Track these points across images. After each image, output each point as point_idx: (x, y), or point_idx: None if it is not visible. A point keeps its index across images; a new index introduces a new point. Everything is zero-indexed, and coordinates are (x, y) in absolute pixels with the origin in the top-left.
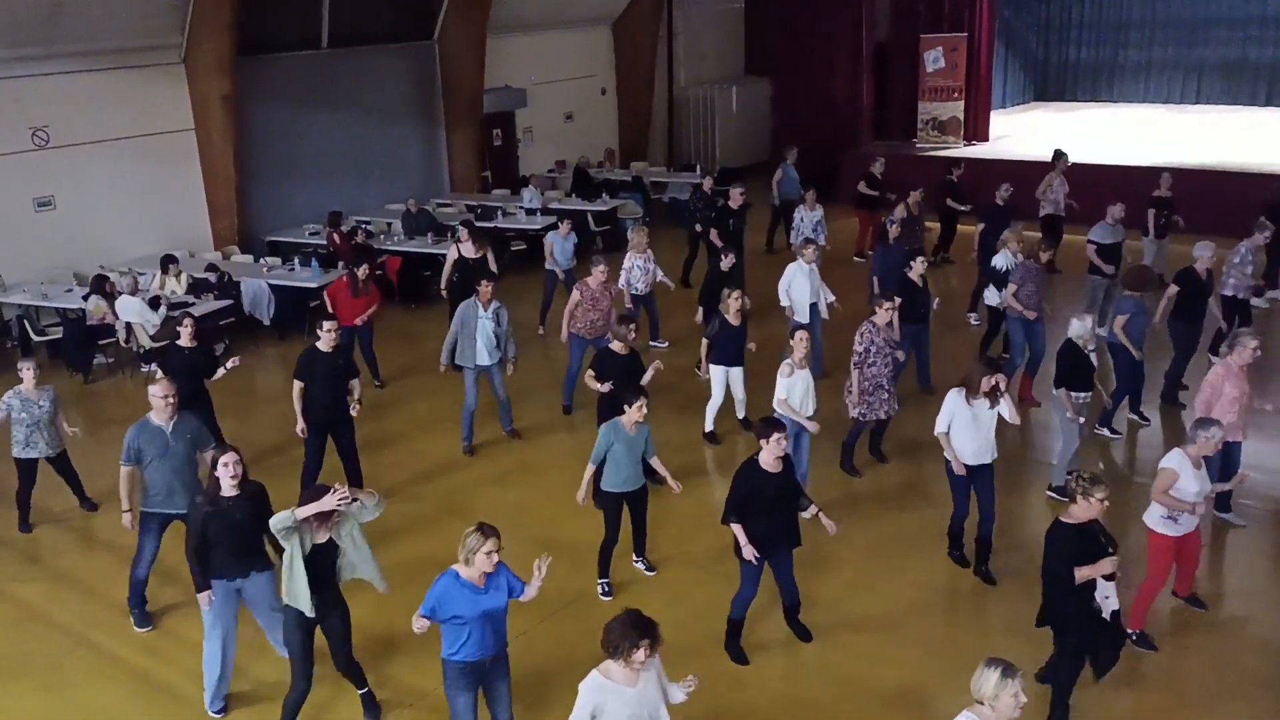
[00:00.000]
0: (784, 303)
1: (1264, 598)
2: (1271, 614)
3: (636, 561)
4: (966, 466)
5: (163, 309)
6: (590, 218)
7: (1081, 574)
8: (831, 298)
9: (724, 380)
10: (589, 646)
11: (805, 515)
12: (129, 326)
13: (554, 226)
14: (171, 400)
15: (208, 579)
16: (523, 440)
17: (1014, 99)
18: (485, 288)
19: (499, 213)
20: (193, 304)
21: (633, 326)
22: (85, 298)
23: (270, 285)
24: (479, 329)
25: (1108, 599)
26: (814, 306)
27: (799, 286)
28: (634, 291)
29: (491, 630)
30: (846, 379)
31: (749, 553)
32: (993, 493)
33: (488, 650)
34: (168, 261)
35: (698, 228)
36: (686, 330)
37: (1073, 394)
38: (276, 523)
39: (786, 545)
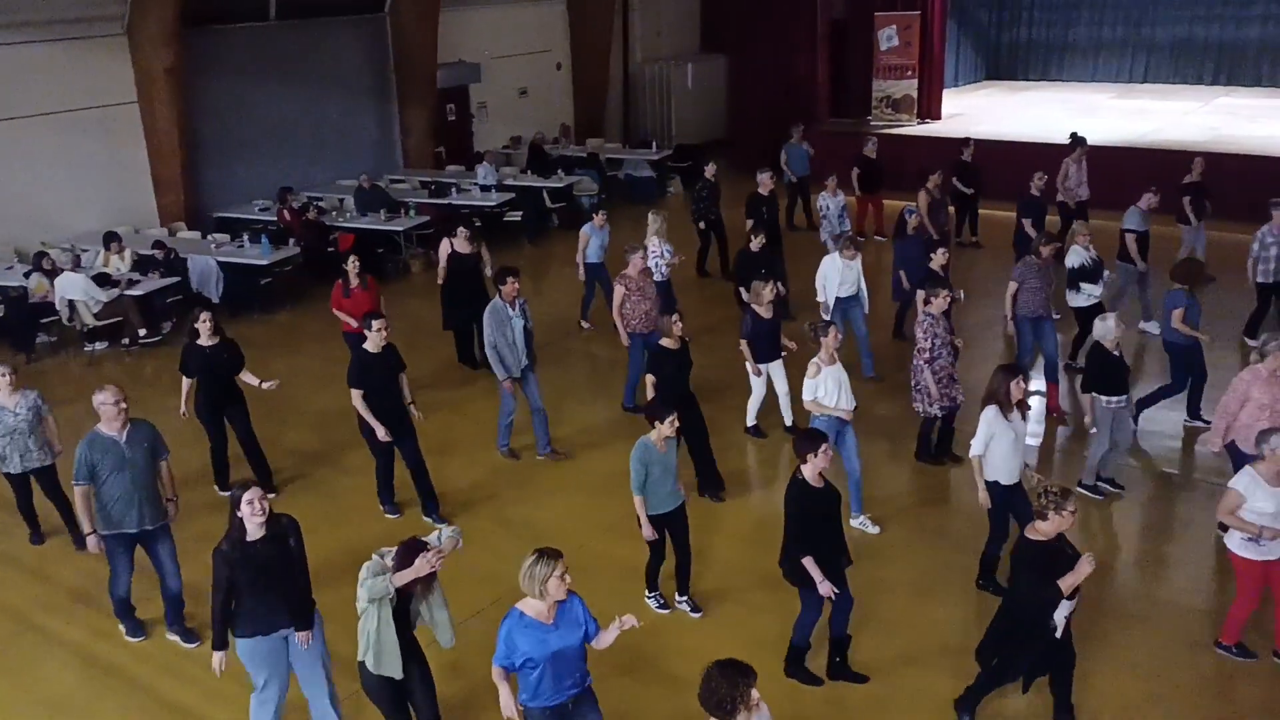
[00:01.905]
0: (820, 298)
1: None
2: None
3: (680, 601)
4: (1005, 486)
5: (114, 288)
6: (546, 194)
7: (1067, 582)
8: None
9: (764, 376)
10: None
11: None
12: (71, 305)
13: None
14: (123, 406)
15: (225, 637)
16: (564, 455)
17: (966, 78)
18: (513, 284)
19: (453, 189)
20: (138, 281)
21: (675, 317)
22: (27, 275)
23: (219, 263)
24: (514, 330)
25: (1065, 618)
26: (855, 299)
27: (833, 280)
28: (656, 279)
29: (567, 670)
30: (911, 378)
31: (826, 589)
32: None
33: (566, 691)
34: (110, 238)
35: (700, 223)
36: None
37: (1105, 398)
38: (374, 593)
39: (843, 564)
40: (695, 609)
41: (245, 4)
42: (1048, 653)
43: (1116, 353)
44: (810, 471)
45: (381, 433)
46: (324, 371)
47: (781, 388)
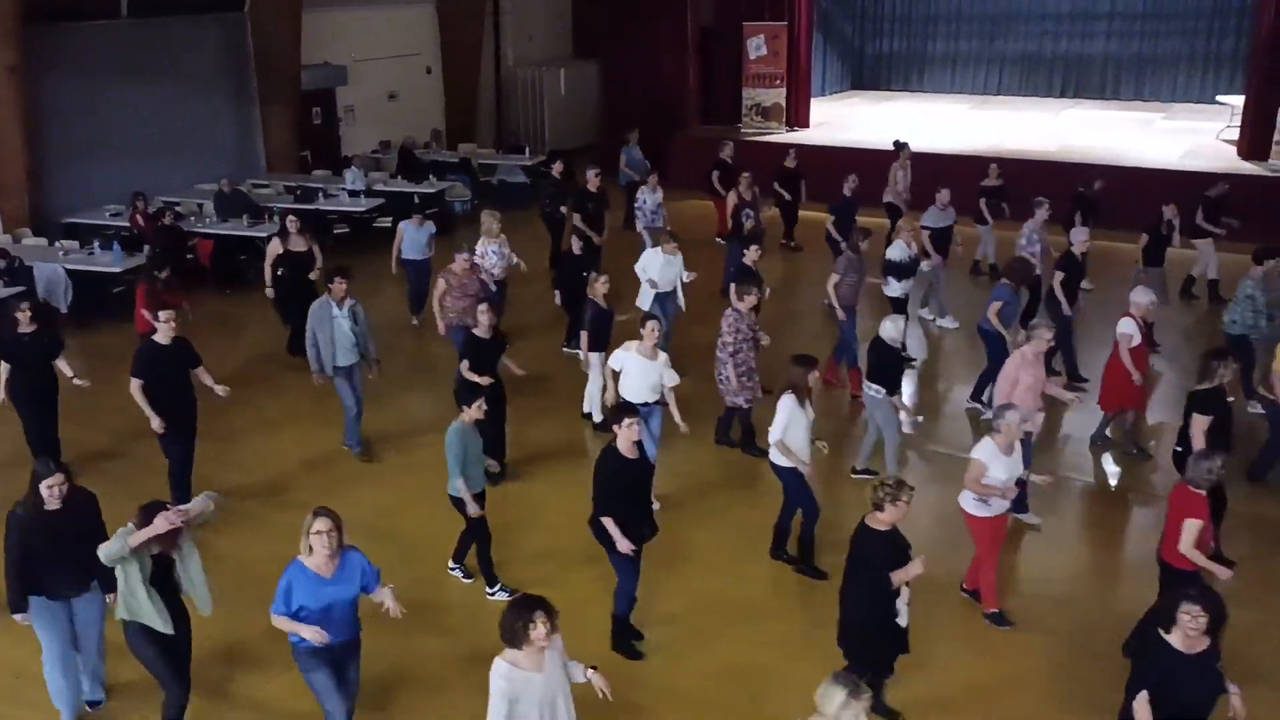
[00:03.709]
0: (643, 278)
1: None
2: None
3: (453, 568)
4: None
5: None
6: (417, 199)
7: (898, 576)
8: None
9: (601, 365)
10: (434, 642)
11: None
12: None
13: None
14: None
15: (25, 597)
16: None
17: (832, 87)
18: (340, 284)
19: (320, 194)
20: None
21: (485, 307)
22: None
23: (67, 270)
24: (335, 330)
25: (906, 606)
26: (672, 295)
27: (653, 272)
28: (487, 278)
29: (338, 620)
30: (717, 369)
31: (625, 546)
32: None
33: (337, 638)
34: None
35: (562, 210)
36: (551, 317)
37: (873, 386)
38: (108, 554)
39: (645, 533)
40: (466, 575)
41: (94, 0)
42: (894, 642)
43: (900, 350)
44: (622, 441)
45: (156, 423)
46: None
47: (599, 380)
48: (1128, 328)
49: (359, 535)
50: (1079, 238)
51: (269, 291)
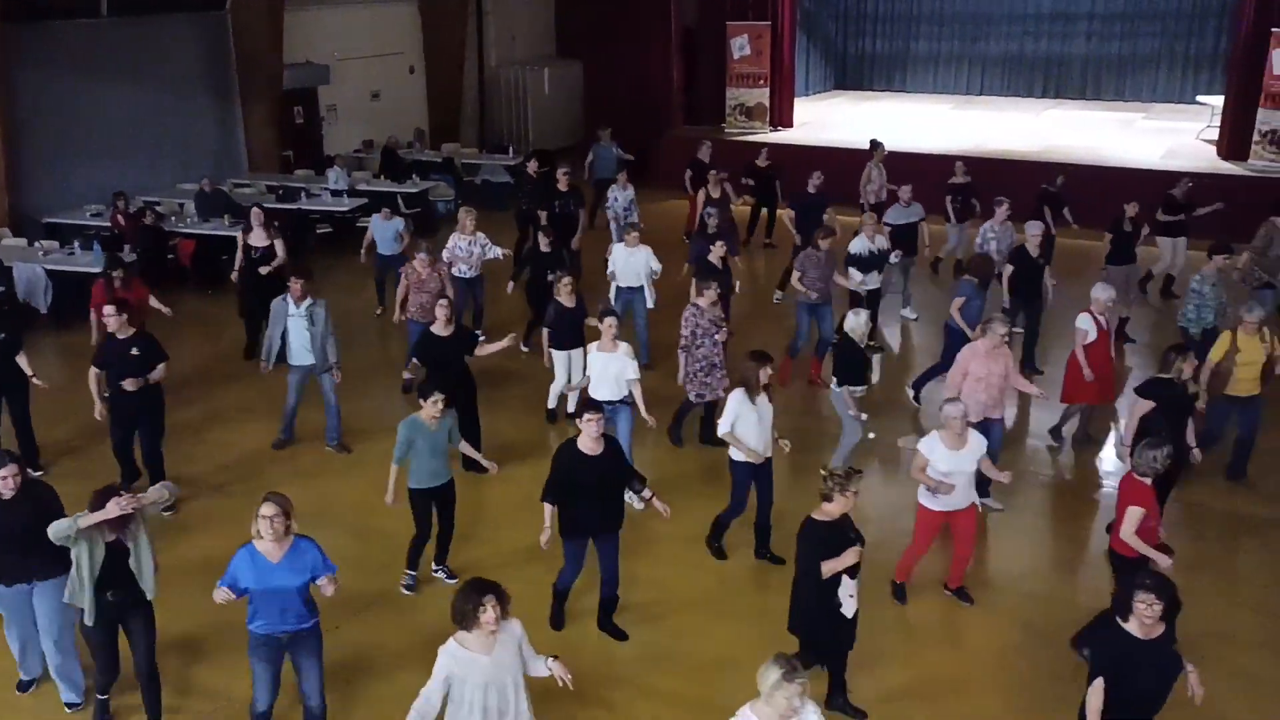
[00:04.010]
0: (610, 269)
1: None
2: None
3: (436, 570)
4: (750, 465)
5: None
6: (400, 200)
7: (828, 566)
8: (658, 268)
9: (566, 363)
10: (401, 639)
11: (638, 505)
12: None
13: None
14: None
15: None
16: (353, 449)
17: (816, 87)
18: (296, 284)
19: (303, 194)
20: None
21: (444, 303)
22: None
23: (47, 270)
24: (291, 329)
25: (851, 598)
26: (640, 290)
27: (621, 265)
28: (456, 274)
29: (282, 607)
30: (677, 363)
31: (544, 537)
32: (772, 484)
33: (282, 625)
34: None
35: (536, 209)
36: (520, 315)
37: (850, 387)
38: (56, 532)
39: (610, 530)
40: (451, 576)
41: None
42: (839, 633)
43: (863, 346)
44: (582, 436)
45: (97, 410)
46: None
47: (562, 378)
48: (1083, 324)
49: (340, 533)
50: (1031, 231)
51: (234, 276)
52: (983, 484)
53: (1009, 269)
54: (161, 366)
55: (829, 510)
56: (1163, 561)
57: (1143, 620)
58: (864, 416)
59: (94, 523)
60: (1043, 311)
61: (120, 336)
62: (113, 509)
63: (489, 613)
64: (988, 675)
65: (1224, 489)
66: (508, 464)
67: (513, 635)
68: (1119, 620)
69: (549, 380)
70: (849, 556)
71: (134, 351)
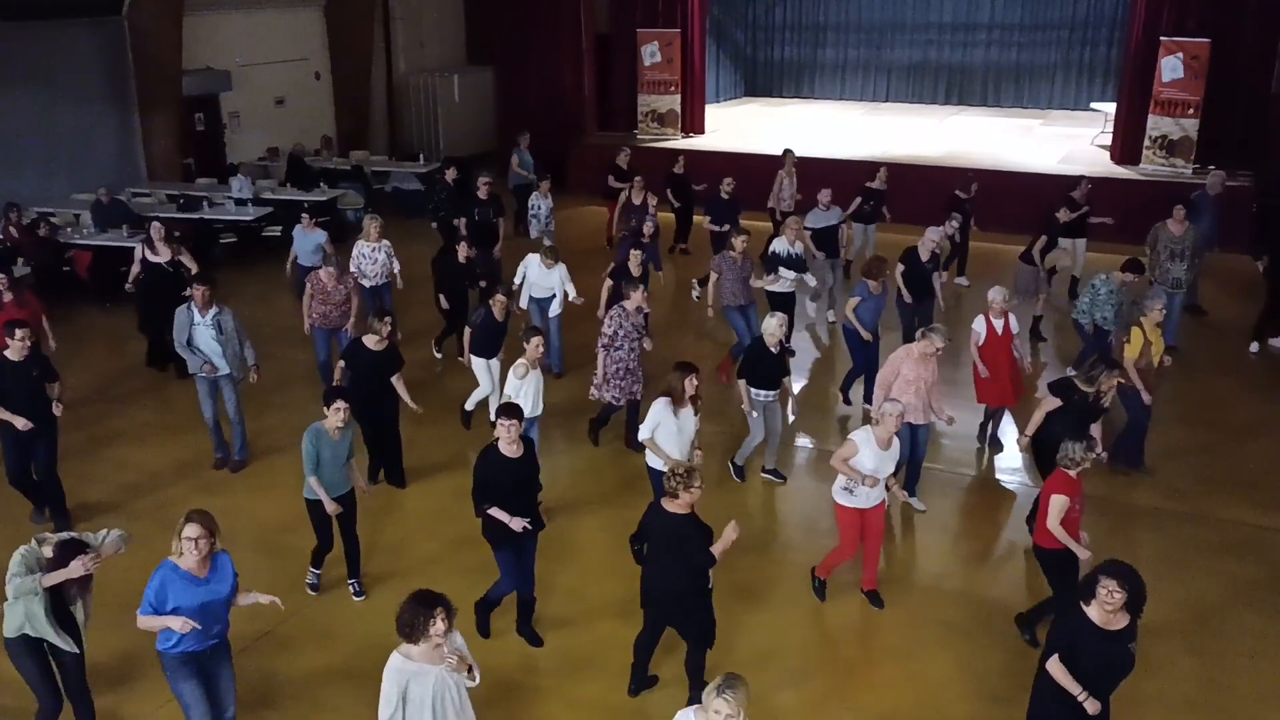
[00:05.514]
0: (516, 282)
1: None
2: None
3: (351, 582)
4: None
5: None
6: (306, 208)
7: (718, 548)
8: (573, 293)
9: (487, 370)
10: (318, 658)
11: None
12: None
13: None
14: None
15: None
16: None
17: (726, 93)
18: (200, 292)
19: (205, 203)
20: None
21: (387, 320)
22: None
23: None
24: (198, 339)
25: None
26: (551, 299)
27: (530, 278)
28: (364, 282)
29: (212, 621)
30: (593, 365)
31: (517, 525)
32: None
33: (206, 641)
34: None
35: (456, 222)
36: (433, 324)
37: (754, 390)
38: (19, 592)
39: (531, 533)
40: (359, 593)
41: None
42: (709, 611)
43: (775, 350)
44: (500, 441)
45: (20, 423)
46: None
47: (486, 385)
48: (977, 326)
49: (249, 551)
50: (930, 235)
51: (129, 287)
52: (911, 483)
53: (900, 268)
54: (57, 386)
55: (679, 504)
56: (1083, 554)
57: (1103, 606)
58: (755, 414)
59: (58, 581)
60: (933, 310)
61: (15, 360)
62: (77, 569)
63: (439, 625)
64: (927, 672)
65: (1123, 482)
66: (422, 475)
67: (454, 646)
68: (1081, 604)
69: (462, 390)
70: (730, 532)
71: (35, 373)
